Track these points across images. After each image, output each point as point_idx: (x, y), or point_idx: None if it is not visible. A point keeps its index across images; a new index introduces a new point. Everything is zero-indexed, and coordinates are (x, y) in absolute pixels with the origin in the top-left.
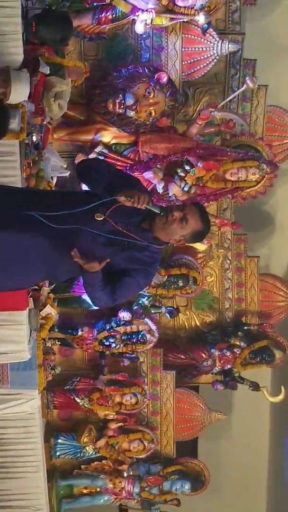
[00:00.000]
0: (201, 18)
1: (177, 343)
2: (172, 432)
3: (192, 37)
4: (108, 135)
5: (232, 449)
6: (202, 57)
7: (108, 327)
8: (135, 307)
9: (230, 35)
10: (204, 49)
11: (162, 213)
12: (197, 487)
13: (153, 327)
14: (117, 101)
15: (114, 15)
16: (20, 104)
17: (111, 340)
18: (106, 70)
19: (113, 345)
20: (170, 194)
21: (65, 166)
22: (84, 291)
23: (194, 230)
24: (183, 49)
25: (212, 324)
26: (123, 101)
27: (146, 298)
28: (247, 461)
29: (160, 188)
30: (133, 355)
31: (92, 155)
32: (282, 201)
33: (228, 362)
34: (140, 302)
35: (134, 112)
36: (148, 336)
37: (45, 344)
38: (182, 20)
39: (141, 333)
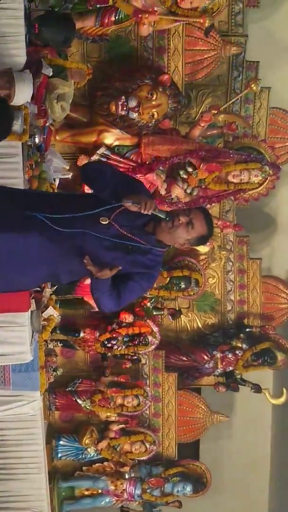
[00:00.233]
0: (204, 20)
1: (179, 345)
2: (174, 434)
3: (195, 39)
4: (111, 137)
5: (234, 451)
6: (205, 59)
7: (110, 329)
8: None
9: (233, 37)
10: (207, 51)
11: (168, 218)
12: (199, 489)
13: (155, 329)
14: (120, 103)
15: (117, 17)
16: (23, 106)
17: (113, 342)
18: (108, 72)
19: (115, 346)
20: (172, 196)
21: (67, 167)
22: (90, 294)
23: (199, 235)
24: (186, 51)
25: (214, 326)
26: (125, 103)
27: (148, 300)
28: (249, 463)
29: (162, 190)
30: (135, 357)
31: (94, 157)
32: (285, 203)
33: (230, 364)
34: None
35: (136, 114)
36: (150, 338)
37: (47, 346)
38: (185, 22)
39: (143, 335)
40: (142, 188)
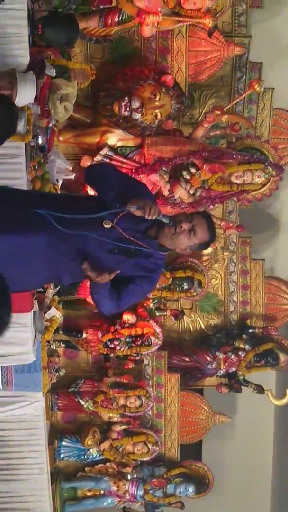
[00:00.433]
0: (207, 21)
1: (181, 346)
2: (176, 434)
3: (198, 39)
4: (114, 138)
5: (237, 452)
6: (208, 60)
7: (112, 330)
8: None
9: (236, 37)
10: (210, 51)
11: (171, 224)
12: (201, 490)
13: (158, 329)
14: (123, 103)
15: (120, 18)
16: (26, 107)
17: (116, 343)
18: (112, 72)
19: (118, 347)
20: (175, 197)
21: (70, 168)
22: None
23: (201, 241)
24: (189, 52)
25: (217, 326)
26: (128, 104)
27: (151, 300)
28: (252, 464)
29: (165, 191)
30: (138, 358)
31: (97, 158)
32: None
33: (232, 365)
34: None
35: (139, 114)
36: (152, 338)
37: (50, 347)
38: (188, 22)
39: (146, 335)
40: (145, 190)
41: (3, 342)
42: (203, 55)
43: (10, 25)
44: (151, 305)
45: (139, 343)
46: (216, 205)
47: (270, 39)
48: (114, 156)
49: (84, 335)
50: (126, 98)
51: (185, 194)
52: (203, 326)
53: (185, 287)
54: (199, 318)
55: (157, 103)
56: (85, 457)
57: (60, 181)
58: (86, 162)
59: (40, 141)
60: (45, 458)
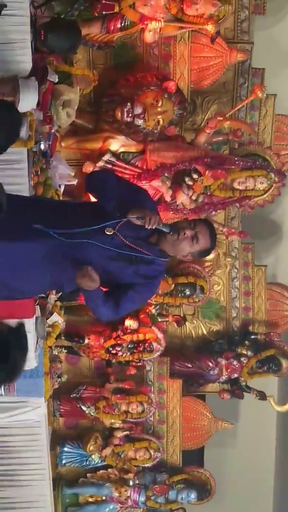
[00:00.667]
0: (210, 27)
1: (184, 352)
2: (178, 441)
3: (201, 45)
4: (116, 144)
5: (239, 458)
6: (210, 66)
7: (114, 335)
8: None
9: (238, 44)
10: (213, 57)
11: (171, 232)
12: (203, 496)
13: (160, 335)
14: (125, 109)
15: (122, 24)
16: (28, 112)
17: (118, 348)
18: (114, 78)
19: (120, 353)
20: (177, 203)
21: (72, 174)
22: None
23: (202, 248)
24: (192, 58)
25: (219, 333)
26: (131, 110)
27: (153, 306)
28: (254, 470)
29: (167, 197)
30: (140, 364)
31: (100, 164)
32: None
33: (235, 371)
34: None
35: (142, 120)
36: (154, 344)
37: (52, 352)
38: (191, 29)
39: (148, 341)
40: (146, 197)
41: None
42: (205, 61)
43: (13, 31)
44: (153, 311)
45: (141, 349)
46: (218, 211)
47: (273, 45)
48: (116, 162)
49: (86, 340)
50: (129, 104)
51: (187, 200)
52: (205, 332)
53: (187, 293)
54: (201, 324)
55: (159, 109)
56: (87, 463)
57: (62, 187)
58: (88, 168)
59: (42, 147)
60: (47, 464)
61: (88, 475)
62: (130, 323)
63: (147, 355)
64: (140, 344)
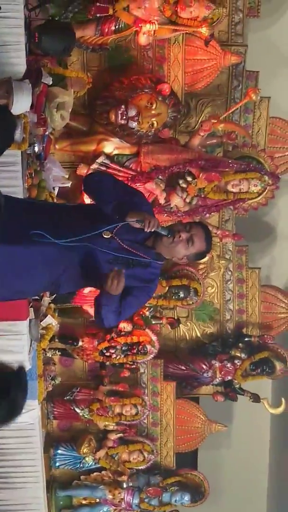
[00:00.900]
0: (204, 30)
1: (177, 354)
2: (172, 443)
3: (195, 48)
4: (110, 146)
5: (233, 460)
6: (204, 69)
7: (108, 338)
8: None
9: (233, 46)
10: (207, 60)
11: (169, 235)
12: (197, 498)
13: (154, 338)
14: (119, 112)
15: (117, 26)
16: (22, 115)
17: (112, 351)
18: (108, 81)
19: (114, 355)
20: (171, 205)
21: (67, 176)
22: (88, 303)
23: (197, 251)
24: (186, 61)
25: (213, 335)
26: (125, 112)
27: (147, 309)
28: (247, 472)
29: (162, 199)
30: (134, 366)
31: (94, 166)
32: (284, 212)
33: (228, 374)
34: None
35: (136, 123)
36: (148, 347)
37: (46, 354)
38: (185, 31)
39: (142, 344)
40: (142, 200)
41: None
42: (199, 64)
43: (7, 34)
44: (147, 313)
45: (135, 351)
46: (212, 213)
47: (267, 48)
48: (110, 164)
49: (80, 343)
50: (123, 106)
51: (181, 202)
52: (199, 335)
53: (181, 295)
54: (195, 327)
55: (153, 112)
56: (81, 465)
57: (57, 189)
58: (82, 170)
59: (36, 149)
60: (41, 466)
61: (81, 477)
62: (124, 325)
63: (141, 357)
64: (134, 347)
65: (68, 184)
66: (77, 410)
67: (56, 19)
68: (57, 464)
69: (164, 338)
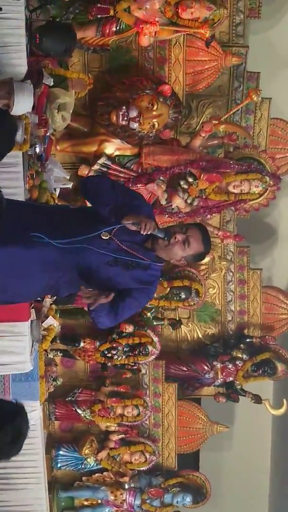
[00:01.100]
0: (205, 31)
1: (179, 355)
2: (173, 444)
3: (196, 49)
4: (111, 147)
5: (234, 461)
6: (205, 70)
7: (110, 339)
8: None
9: (233, 47)
10: (208, 61)
11: (166, 238)
12: (199, 499)
13: (155, 338)
14: (121, 113)
15: (118, 28)
16: (24, 116)
17: (113, 352)
18: (109, 82)
19: (115, 356)
20: (173, 206)
21: (68, 177)
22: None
23: (195, 252)
24: (187, 62)
25: (214, 336)
26: (126, 113)
27: (148, 310)
28: (249, 473)
29: (163, 200)
30: (135, 367)
31: (95, 167)
32: (285, 213)
33: (230, 375)
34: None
35: (137, 124)
36: (150, 348)
37: (47, 356)
38: (186, 32)
39: (143, 345)
40: (142, 202)
41: (0, 351)
42: (200, 65)
43: (8, 35)
44: (149, 314)
45: (136, 352)
46: (213, 214)
47: (268, 49)
48: (111, 165)
49: (82, 344)
50: (124, 107)
51: (182, 203)
52: (200, 336)
53: (183, 296)
54: (196, 328)
55: (154, 113)
56: (83, 466)
57: (58, 190)
58: (83, 171)
59: (37, 150)
60: (42, 467)
61: (83, 478)
62: (125, 326)
63: (142, 358)
64: (136, 348)
65: (69, 185)
66: (79, 411)
67: (57, 20)
68: (59, 465)
69: (166, 339)
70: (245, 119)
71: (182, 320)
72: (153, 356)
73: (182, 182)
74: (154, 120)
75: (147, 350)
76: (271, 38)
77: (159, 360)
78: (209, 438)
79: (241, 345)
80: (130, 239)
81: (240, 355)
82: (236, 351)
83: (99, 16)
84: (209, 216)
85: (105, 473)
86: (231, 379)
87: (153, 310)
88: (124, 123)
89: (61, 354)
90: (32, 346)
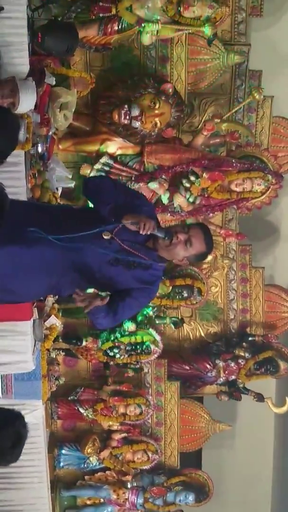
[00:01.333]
0: (207, 29)
1: (181, 354)
2: (176, 443)
3: (198, 48)
4: (114, 146)
5: (236, 460)
6: (207, 68)
7: (112, 338)
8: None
9: (236, 46)
10: (210, 60)
11: (166, 237)
12: (201, 498)
13: (158, 337)
14: (123, 111)
15: (120, 26)
16: (25, 115)
17: (116, 351)
18: (111, 80)
19: (117, 355)
20: (175, 205)
21: (70, 176)
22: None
23: (197, 252)
24: (189, 60)
25: (216, 334)
26: (128, 112)
27: (150, 308)
28: (251, 472)
29: (165, 199)
30: (137, 366)
31: (97, 166)
32: (287, 211)
33: (232, 373)
34: (145, 313)
35: (139, 123)
36: (152, 346)
37: (50, 355)
38: (188, 31)
39: (146, 343)
40: (144, 202)
41: (2, 351)
42: (202, 63)
43: (10, 34)
44: (151, 313)
45: (138, 351)
46: (215, 213)
47: (270, 47)
48: (113, 164)
49: (84, 343)
50: (126, 106)
51: (184, 202)
52: (203, 334)
53: (185, 295)
54: (199, 326)
55: (156, 111)
56: (85, 465)
57: (60, 190)
58: (85, 170)
59: (39, 149)
60: (45, 466)
61: (86, 477)
62: (127, 325)
63: (144, 357)
64: (138, 346)
65: (72, 184)
66: (81, 410)
67: (59, 19)
68: (61, 464)
69: (168, 338)
70: (247, 117)
71: (185, 318)
72: (156, 355)
73: (184, 181)
74: (156, 119)
75: (149, 349)
76: (273, 36)
77: (161, 359)
78: (211, 436)
79: (244, 344)
80: (131, 239)
81: (243, 354)
82: (239, 349)
83: (101, 15)
84: (211, 214)
85: (107, 472)
86: (233, 377)
87: (155, 308)
88: (126, 121)
89: (64, 353)
90: (35, 345)
